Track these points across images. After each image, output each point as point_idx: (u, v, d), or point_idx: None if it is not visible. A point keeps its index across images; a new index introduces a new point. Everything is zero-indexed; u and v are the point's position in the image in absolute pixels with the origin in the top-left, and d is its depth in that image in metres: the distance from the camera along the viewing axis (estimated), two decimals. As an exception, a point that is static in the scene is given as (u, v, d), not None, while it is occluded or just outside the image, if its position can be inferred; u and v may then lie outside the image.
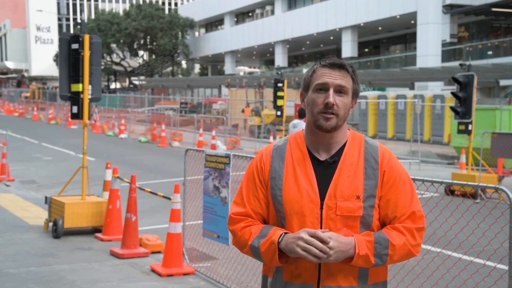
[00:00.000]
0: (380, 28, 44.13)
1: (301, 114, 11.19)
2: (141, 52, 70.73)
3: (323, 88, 2.25)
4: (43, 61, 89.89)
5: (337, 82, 2.25)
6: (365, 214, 2.23)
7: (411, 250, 2.25)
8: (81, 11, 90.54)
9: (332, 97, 2.23)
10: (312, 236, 2.13)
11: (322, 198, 2.24)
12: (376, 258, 2.20)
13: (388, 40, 47.93)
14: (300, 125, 10.81)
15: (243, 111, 30.95)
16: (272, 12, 54.05)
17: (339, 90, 2.25)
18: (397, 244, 2.21)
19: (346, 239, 2.17)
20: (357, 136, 2.36)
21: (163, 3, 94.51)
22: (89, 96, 8.36)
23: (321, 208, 2.23)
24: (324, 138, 2.29)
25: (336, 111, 2.23)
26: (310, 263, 2.18)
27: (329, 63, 2.28)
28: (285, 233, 2.22)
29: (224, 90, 46.78)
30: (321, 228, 2.22)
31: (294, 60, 60.20)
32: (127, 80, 75.47)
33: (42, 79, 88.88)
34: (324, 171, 2.27)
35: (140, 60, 73.09)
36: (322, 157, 2.29)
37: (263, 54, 62.10)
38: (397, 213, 2.26)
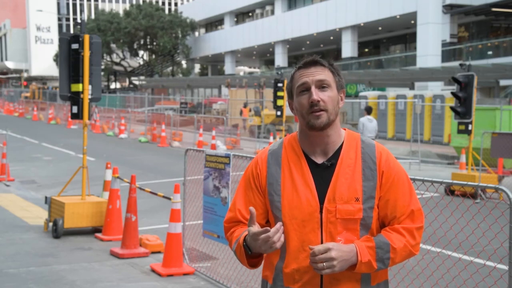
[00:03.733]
0: (380, 28, 44.12)
1: (368, 110, 13.64)
2: (141, 52, 70.74)
3: (305, 88, 2.22)
4: (43, 61, 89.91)
5: (316, 78, 2.21)
6: (365, 216, 2.21)
7: (411, 250, 2.23)
8: (81, 11, 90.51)
9: (315, 94, 2.19)
10: (312, 255, 2.10)
11: (321, 202, 2.21)
12: (378, 263, 2.18)
13: (388, 40, 47.93)
14: (374, 121, 13.43)
15: (241, 112, 30.94)
16: (272, 12, 54.05)
17: (321, 86, 2.22)
18: (398, 246, 2.20)
19: (347, 247, 2.14)
20: (353, 136, 2.32)
21: (163, 3, 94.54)
22: (89, 96, 8.36)
23: (321, 212, 2.20)
24: (319, 138, 2.25)
25: (324, 106, 2.20)
26: (312, 268, 2.15)
27: (303, 63, 2.26)
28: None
29: (224, 90, 46.77)
30: (321, 231, 2.20)
31: (294, 60, 60.14)
32: (127, 80, 75.46)
33: (42, 79, 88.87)
34: (322, 174, 2.24)
35: (140, 60, 73.09)
36: (319, 160, 2.26)
37: (263, 54, 62.10)
38: (396, 213, 2.24)
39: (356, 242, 2.18)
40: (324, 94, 2.21)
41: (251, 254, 2.24)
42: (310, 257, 2.12)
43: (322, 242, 2.19)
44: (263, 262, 2.39)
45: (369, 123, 13.34)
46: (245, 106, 30.86)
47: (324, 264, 2.09)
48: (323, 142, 2.26)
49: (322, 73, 2.23)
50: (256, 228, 2.14)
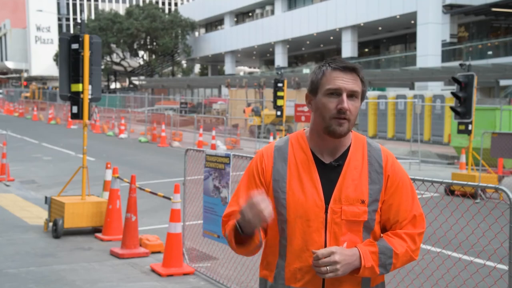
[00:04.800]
0: (380, 28, 44.13)
1: None
2: (141, 52, 70.75)
3: (336, 92, 2.18)
4: (43, 61, 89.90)
5: (350, 87, 2.18)
6: (369, 218, 2.22)
7: (412, 255, 2.26)
8: (81, 11, 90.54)
9: (346, 103, 2.16)
10: (315, 259, 2.10)
11: (327, 202, 2.20)
12: (381, 268, 2.19)
13: (388, 40, 47.92)
14: None
15: (244, 111, 30.96)
16: (272, 12, 54.06)
17: (351, 95, 2.19)
18: (400, 252, 2.21)
19: (350, 251, 2.15)
20: (359, 138, 2.32)
21: (163, 3, 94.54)
22: (89, 96, 8.36)
23: (326, 212, 2.20)
24: (332, 143, 2.24)
25: (349, 116, 2.18)
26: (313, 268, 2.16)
27: (342, 67, 2.19)
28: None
29: (224, 90, 46.80)
30: (325, 232, 2.19)
31: (294, 60, 60.20)
32: (127, 80, 75.48)
33: (42, 79, 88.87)
34: (329, 174, 2.23)
35: (140, 60, 73.09)
36: (327, 160, 2.25)
37: (263, 54, 62.10)
38: (399, 217, 2.26)
39: (359, 246, 2.18)
40: (352, 103, 2.20)
41: (242, 234, 2.17)
42: (313, 261, 2.11)
43: (325, 242, 2.19)
44: (261, 260, 2.38)
45: None
46: (248, 105, 30.85)
47: (328, 268, 2.09)
48: (334, 146, 2.26)
49: (356, 83, 2.20)
50: None
